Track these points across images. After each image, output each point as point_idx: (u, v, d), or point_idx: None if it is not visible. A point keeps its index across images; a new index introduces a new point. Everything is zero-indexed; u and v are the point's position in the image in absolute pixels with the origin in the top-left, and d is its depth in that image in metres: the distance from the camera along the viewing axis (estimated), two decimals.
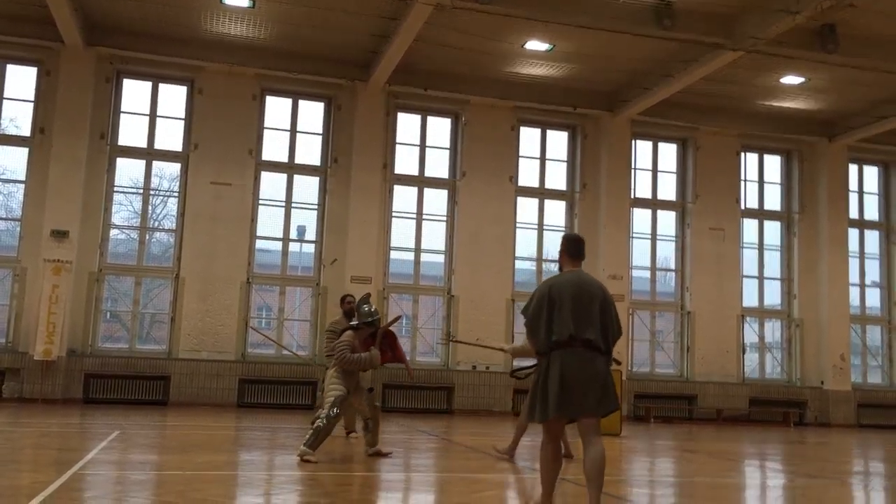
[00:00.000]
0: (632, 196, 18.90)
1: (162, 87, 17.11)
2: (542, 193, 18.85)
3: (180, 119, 17.03)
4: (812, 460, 11.23)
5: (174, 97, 17.15)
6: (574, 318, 5.27)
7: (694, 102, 18.25)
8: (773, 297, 20.16)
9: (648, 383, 18.38)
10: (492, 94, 17.85)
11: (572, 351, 5.21)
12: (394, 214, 17.91)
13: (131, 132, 16.90)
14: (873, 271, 20.75)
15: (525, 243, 18.70)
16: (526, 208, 18.71)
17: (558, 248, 5.70)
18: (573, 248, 5.64)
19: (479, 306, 17.63)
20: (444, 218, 18.19)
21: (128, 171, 17.02)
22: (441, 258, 18.26)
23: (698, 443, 12.19)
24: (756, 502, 7.25)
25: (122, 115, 16.84)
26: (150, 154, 16.95)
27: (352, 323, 8.89)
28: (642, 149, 19.43)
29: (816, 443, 14.26)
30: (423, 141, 18.30)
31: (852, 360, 19.80)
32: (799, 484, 8.37)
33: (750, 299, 19.77)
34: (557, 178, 19.02)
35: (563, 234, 5.74)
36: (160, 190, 17.66)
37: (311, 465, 7.65)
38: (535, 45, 15.88)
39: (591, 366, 5.22)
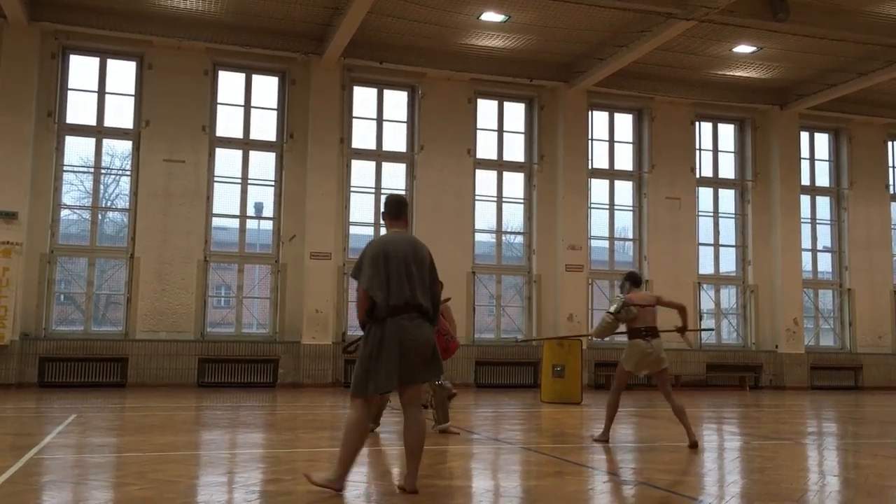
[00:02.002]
0: (589, 167, 19.01)
1: (110, 62, 16.70)
2: (500, 165, 18.86)
3: (130, 95, 16.66)
4: (767, 422, 11.49)
5: (123, 73, 16.76)
6: (409, 283, 5.14)
7: (649, 73, 18.36)
8: (729, 264, 20.51)
9: (608, 352, 18.58)
10: (448, 67, 17.75)
11: (409, 317, 5.07)
12: (352, 189, 17.78)
13: (80, 110, 16.49)
14: (825, 237, 21.21)
15: (484, 216, 18.73)
16: (484, 181, 18.72)
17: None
18: (392, 208, 5.46)
19: (439, 279, 17.60)
20: (403, 192, 18.10)
21: (77, 150, 16.63)
22: None
23: (657, 409, 12.39)
24: (714, 464, 7.40)
25: (69, 93, 16.42)
26: (99, 132, 16.57)
27: None
28: (599, 119, 19.52)
29: (771, 405, 14.61)
30: (379, 115, 18.15)
31: (805, 324, 20.27)
32: (754, 445, 8.57)
33: (706, 266, 20.08)
34: (515, 150, 19.04)
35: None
36: (112, 168, 17.28)
37: (372, 437, 8.01)
38: (491, 16, 15.80)
39: (423, 332, 5.12)
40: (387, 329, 5.03)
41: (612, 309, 8.08)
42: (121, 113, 16.67)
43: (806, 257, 20.62)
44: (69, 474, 6.03)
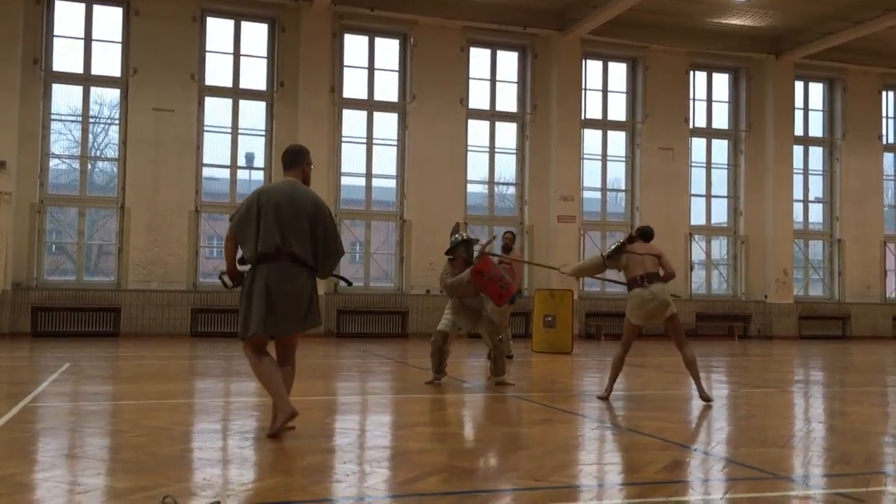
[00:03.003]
0: (582, 117, 18.89)
1: (96, 8, 16.41)
2: (493, 115, 18.72)
3: (117, 43, 16.40)
4: (755, 371, 11.64)
5: (109, 19, 16.47)
6: (280, 230, 5.06)
7: (643, 21, 18.13)
8: (720, 214, 20.56)
9: (599, 302, 18.72)
10: (440, 14, 17.50)
11: (279, 265, 5.04)
12: (343, 139, 17.66)
13: (66, 57, 16.25)
14: (817, 187, 21.22)
15: (477, 166, 18.65)
16: (477, 131, 18.60)
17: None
18: (284, 158, 5.44)
19: (431, 230, 17.60)
20: (395, 142, 18.00)
21: (65, 98, 16.43)
22: (392, 183, 18.14)
23: (647, 358, 12.53)
24: (703, 410, 7.50)
25: (55, 39, 16.16)
26: (87, 80, 16.35)
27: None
28: (592, 69, 19.33)
29: (759, 354, 14.78)
30: (371, 63, 17.94)
31: (795, 275, 20.41)
32: (742, 393, 8.69)
33: (697, 217, 20.12)
34: (508, 99, 18.88)
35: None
36: (100, 117, 17.10)
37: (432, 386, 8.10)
38: None
39: (296, 281, 5.06)
40: (256, 275, 5.05)
41: (606, 252, 7.70)
42: (108, 60, 16.42)
43: (797, 208, 20.67)
44: (64, 422, 6.08)
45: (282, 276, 5.04)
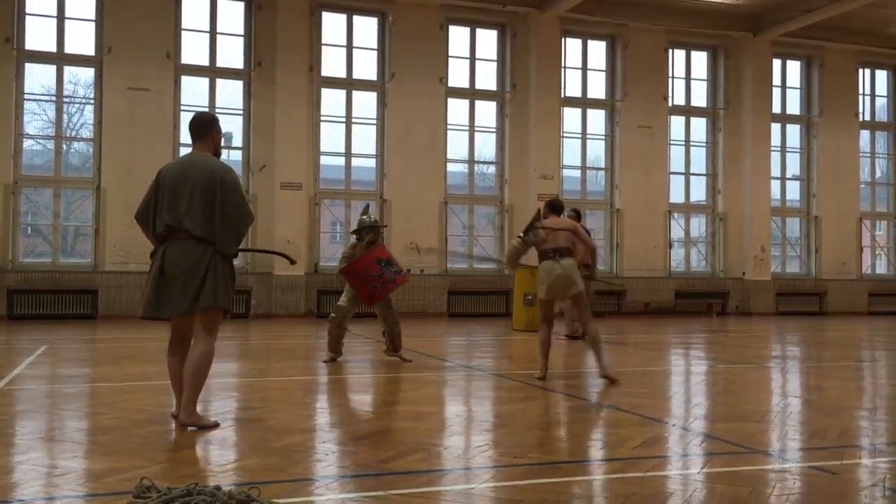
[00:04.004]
0: (562, 95, 18.86)
1: None
2: (472, 94, 18.65)
3: (91, 21, 16.13)
4: (732, 347, 11.76)
5: None
6: (170, 207, 4.83)
7: None
8: (699, 192, 20.66)
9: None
10: None
11: (173, 243, 4.81)
12: (322, 118, 17.53)
13: (39, 36, 15.96)
14: (794, 165, 21.37)
15: (456, 145, 18.59)
16: (457, 109, 18.52)
17: None
18: (191, 128, 5.08)
19: (411, 210, 17.59)
20: (374, 121, 17.90)
21: (38, 78, 16.16)
22: (372, 162, 18.06)
23: (626, 335, 12.61)
24: (680, 387, 7.58)
25: (27, 18, 15.86)
26: (60, 58, 16.09)
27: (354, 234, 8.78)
28: (572, 47, 19.28)
29: (737, 331, 14.92)
30: (349, 42, 17.79)
31: (773, 251, 20.59)
32: (720, 369, 8.77)
33: (676, 195, 20.21)
34: (487, 78, 18.80)
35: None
36: (75, 97, 16.85)
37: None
38: None
39: (189, 259, 4.77)
40: (156, 255, 4.88)
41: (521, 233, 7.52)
42: (82, 39, 16.16)
43: (775, 185, 20.81)
44: (40, 404, 6.03)
45: (174, 255, 4.80)
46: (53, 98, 16.25)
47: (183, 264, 4.78)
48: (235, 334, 12.73)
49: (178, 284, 4.80)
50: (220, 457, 4.26)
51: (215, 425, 4.94)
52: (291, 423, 5.21)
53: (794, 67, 21.28)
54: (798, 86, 21.33)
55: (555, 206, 7.77)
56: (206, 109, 16.79)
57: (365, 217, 8.79)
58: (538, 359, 7.45)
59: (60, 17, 16.03)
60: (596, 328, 7.35)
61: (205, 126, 5.07)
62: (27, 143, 16.26)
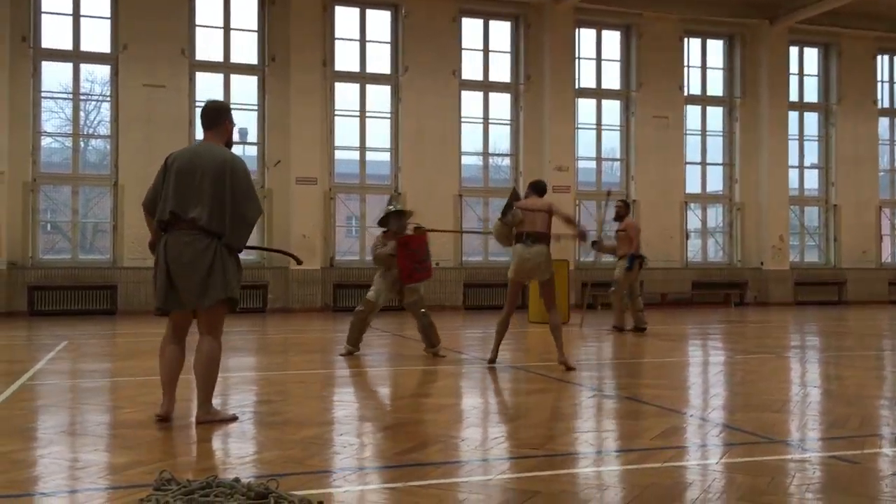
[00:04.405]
0: (576, 86, 18.78)
1: None
2: (486, 86, 18.61)
3: (106, 18, 16.22)
4: (750, 337, 11.69)
5: None
6: (177, 195, 4.65)
7: None
8: (716, 182, 20.54)
9: (595, 272, 18.71)
10: None
11: (176, 234, 4.66)
12: (336, 113, 17.55)
13: (55, 34, 16.08)
14: (812, 153, 21.19)
15: (471, 138, 18.57)
16: (470, 102, 18.50)
17: None
18: (203, 117, 4.94)
19: (426, 203, 17.55)
20: (388, 115, 17.90)
21: (55, 76, 16.30)
22: (387, 156, 18.07)
23: (644, 326, 12.55)
24: (697, 378, 7.55)
25: (43, 16, 15.97)
26: (77, 56, 16.20)
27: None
28: (586, 37, 19.19)
29: (755, 321, 14.83)
30: (362, 36, 17.79)
31: (791, 241, 20.44)
32: (738, 359, 8.73)
33: (693, 186, 20.09)
34: (501, 70, 18.75)
35: None
36: (92, 94, 16.98)
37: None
38: None
39: (192, 250, 4.62)
40: (160, 246, 4.74)
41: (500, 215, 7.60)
42: (97, 37, 16.26)
43: (793, 174, 20.64)
44: (62, 398, 6.09)
45: (177, 246, 4.64)
46: (70, 96, 16.37)
47: (186, 256, 4.63)
48: (253, 328, 12.80)
49: (184, 276, 4.66)
50: (238, 449, 4.29)
51: (234, 418, 4.97)
52: (309, 415, 5.23)
53: (811, 55, 21.08)
54: (815, 73, 21.13)
55: (537, 187, 7.79)
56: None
57: (390, 207, 8.78)
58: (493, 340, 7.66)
59: (76, 15, 16.14)
60: (558, 318, 7.49)
61: (217, 115, 4.91)
62: (45, 141, 16.40)
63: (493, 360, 7.55)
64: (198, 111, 17.01)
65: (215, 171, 4.67)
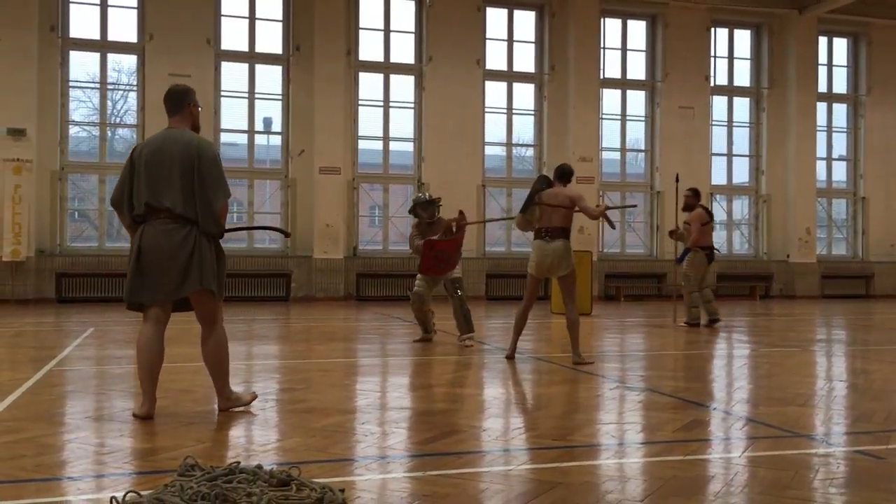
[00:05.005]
0: (601, 76, 18.65)
1: None
2: (510, 76, 18.54)
3: (133, 8, 16.34)
4: (776, 330, 11.59)
5: None
6: (149, 185, 4.53)
7: None
8: (742, 174, 20.32)
9: (619, 263, 18.67)
10: None
11: (153, 223, 4.53)
12: (360, 103, 17.57)
13: (82, 23, 16.23)
14: (840, 145, 20.90)
15: (494, 128, 18.51)
16: (494, 92, 18.43)
17: None
18: (167, 102, 4.81)
19: (449, 193, 17.42)
20: (412, 105, 17.89)
21: (83, 65, 16.44)
22: (410, 146, 18.07)
23: (666, 318, 12.50)
24: (722, 371, 7.50)
25: (71, 6, 16.12)
26: (104, 46, 16.33)
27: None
28: (611, 27, 19.04)
29: (781, 314, 14.70)
30: (386, 25, 17.77)
31: (818, 234, 20.20)
32: (763, 352, 8.66)
33: (718, 177, 19.90)
34: (525, 60, 18.66)
35: None
36: (119, 84, 17.12)
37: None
38: None
39: (170, 239, 4.50)
40: (135, 237, 4.60)
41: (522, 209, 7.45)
42: (124, 26, 16.39)
43: (820, 166, 20.37)
44: (89, 385, 6.18)
45: (154, 236, 4.52)
46: (97, 85, 16.52)
47: (163, 246, 4.50)
48: (276, 317, 12.89)
49: (161, 267, 4.53)
50: (261, 437, 4.33)
51: (254, 397, 5.02)
52: (332, 404, 5.27)
53: (840, 45, 20.78)
54: (845, 64, 20.82)
55: (561, 173, 7.43)
56: (247, 94, 16.93)
57: (420, 195, 8.88)
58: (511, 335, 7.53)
59: (103, 5, 16.26)
60: (576, 314, 7.31)
61: (181, 98, 4.79)
62: (73, 130, 16.57)
63: (511, 356, 7.45)
64: (223, 101, 17.22)
65: (183, 157, 4.56)
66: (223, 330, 4.88)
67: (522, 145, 19.47)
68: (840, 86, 20.78)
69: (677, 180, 11.91)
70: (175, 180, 4.54)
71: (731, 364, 8.00)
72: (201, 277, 4.56)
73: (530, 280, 7.48)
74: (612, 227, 7.94)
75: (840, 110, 20.86)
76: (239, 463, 3.26)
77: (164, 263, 4.52)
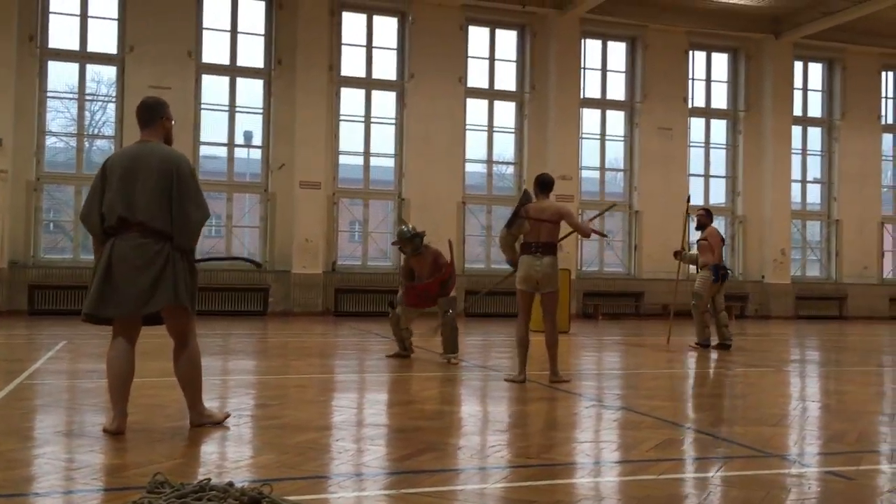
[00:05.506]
0: (581, 96, 18.82)
1: None
2: (491, 95, 18.65)
3: (113, 20, 16.29)
4: (751, 350, 11.67)
5: None
6: (123, 198, 4.44)
7: None
8: (718, 195, 20.54)
9: (597, 281, 18.74)
10: None
11: (125, 237, 4.45)
12: (341, 118, 17.59)
13: (62, 34, 16.14)
14: (815, 168, 21.19)
15: (475, 145, 18.60)
16: (475, 110, 18.53)
17: None
18: (139, 114, 4.76)
19: (429, 209, 17.59)
20: (393, 121, 17.94)
21: (61, 76, 16.35)
22: (391, 162, 18.10)
23: (644, 337, 12.56)
24: (696, 390, 7.53)
25: (51, 16, 16.04)
26: (83, 57, 16.26)
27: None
28: (591, 48, 19.24)
29: (755, 334, 14.81)
30: (369, 41, 17.84)
31: (792, 255, 20.43)
32: (738, 372, 8.71)
33: (696, 198, 20.06)
34: (507, 78, 18.80)
35: None
36: (97, 95, 17.02)
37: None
38: None
39: (143, 254, 4.42)
40: (105, 249, 4.50)
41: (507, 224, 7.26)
42: (104, 37, 16.32)
43: (795, 188, 20.65)
44: (60, 398, 6.09)
45: (126, 250, 4.43)
46: (76, 96, 16.41)
47: (133, 260, 4.42)
48: (253, 332, 12.80)
49: (130, 281, 4.43)
50: (234, 453, 4.28)
51: (226, 416, 4.97)
52: (307, 420, 5.23)
53: (815, 70, 21.12)
54: (819, 88, 21.16)
55: (543, 184, 7.22)
56: (227, 107, 16.89)
57: (403, 227, 8.85)
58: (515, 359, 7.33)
59: (83, 16, 16.20)
60: (555, 335, 7.23)
61: (153, 111, 4.74)
62: (50, 141, 16.44)
63: (523, 380, 7.09)
64: (204, 114, 17.17)
65: (160, 170, 4.50)
66: (196, 345, 4.84)
67: (503, 163, 19.56)
68: (815, 110, 21.10)
69: (688, 201, 11.95)
70: (149, 194, 4.47)
71: (706, 383, 8.04)
72: (175, 293, 4.51)
73: (521, 296, 7.28)
74: (605, 236, 7.88)
75: (815, 134, 21.17)
76: (209, 480, 3.22)
77: (135, 277, 4.44)
